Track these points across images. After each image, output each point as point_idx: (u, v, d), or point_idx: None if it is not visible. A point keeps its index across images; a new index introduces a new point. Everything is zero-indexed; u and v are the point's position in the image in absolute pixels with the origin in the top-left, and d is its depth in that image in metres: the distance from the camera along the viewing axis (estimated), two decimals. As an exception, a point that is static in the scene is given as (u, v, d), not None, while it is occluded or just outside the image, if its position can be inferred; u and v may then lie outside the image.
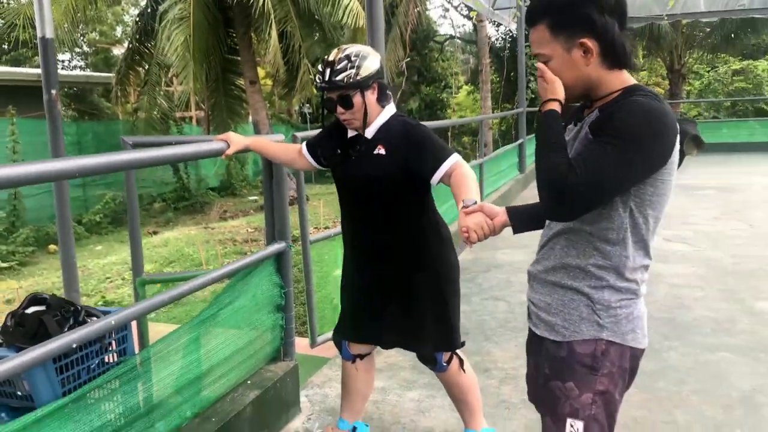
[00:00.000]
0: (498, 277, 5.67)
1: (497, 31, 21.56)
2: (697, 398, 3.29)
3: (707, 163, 12.53)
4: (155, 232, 12.77)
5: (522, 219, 1.85)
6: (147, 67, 14.43)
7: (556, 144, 1.53)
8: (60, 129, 5.33)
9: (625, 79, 1.61)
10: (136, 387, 2.40)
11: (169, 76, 15.20)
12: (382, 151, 2.40)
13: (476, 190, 2.13)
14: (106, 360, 2.35)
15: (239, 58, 14.03)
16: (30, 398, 2.16)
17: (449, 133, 16.77)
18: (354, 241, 2.64)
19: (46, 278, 9.52)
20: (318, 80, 2.38)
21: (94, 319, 2.31)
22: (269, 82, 20.08)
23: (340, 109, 2.39)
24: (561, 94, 1.60)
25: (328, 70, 2.33)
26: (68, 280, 5.86)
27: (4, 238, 11.75)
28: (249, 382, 2.98)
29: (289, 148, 2.78)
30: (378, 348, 2.82)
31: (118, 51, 27.63)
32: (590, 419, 1.62)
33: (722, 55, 21.93)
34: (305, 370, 3.51)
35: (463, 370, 2.66)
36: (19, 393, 2.16)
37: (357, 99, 2.35)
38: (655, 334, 4.15)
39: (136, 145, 2.96)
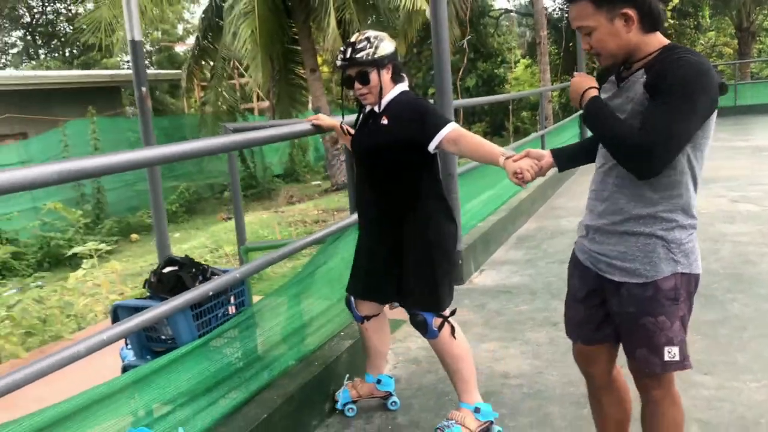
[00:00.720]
0: (562, 242, 5.90)
1: (554, 1, 21.32)
2: (756, 343, 3.49)
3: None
4: (230, 218, 13.43)
5: (565, 158, 2.17)
6: (213, 62, 15.06)
7: (615, 119, 1.79)
8: (150, 122, 5.88)
9: (661, 39, 1.84)
10: (253, 333, 2.83)
11: (241, 68, 15.77)
12: (386, 122, 2.65)
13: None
14: (229, 311, 2.78)
15: (299, 48, 14.47)
16: (170, 341, 2.61)
17: (510, 108, 16.76)
18: (362, 204, 2.90)
19: (134, 263, 10.24)
20: (339, 59, 2.66)
21: (216, 276, 2.73)
22: (326, 69, 20.54)
23: (357, 85, 2.66)
24: (592, 81, 1.87)
25: (349, 50, 2.62)
26: (162, 258, 6.43)
27: (90, 229, 12.62)
28: (342, 333, 3.36)
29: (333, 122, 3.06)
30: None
31: (180, 48, 28.72)
32: (682, 343, 1.90)
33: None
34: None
35: (455, 338, 2.73)
36: (162, 336, 2.60)
37: (373, 76, 2.63)
38: (719, 287, 4.34)
39: (236, 130, 3.36)
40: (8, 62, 34.34)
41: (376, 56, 2.60)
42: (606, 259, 1.96)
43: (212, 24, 14.58)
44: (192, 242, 10.91)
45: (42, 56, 33.18)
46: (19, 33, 32.58)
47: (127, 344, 2.73)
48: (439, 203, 2.74)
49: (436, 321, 2.68)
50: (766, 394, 2.92)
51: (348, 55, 2.62)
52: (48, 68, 27.06)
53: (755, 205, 6.70)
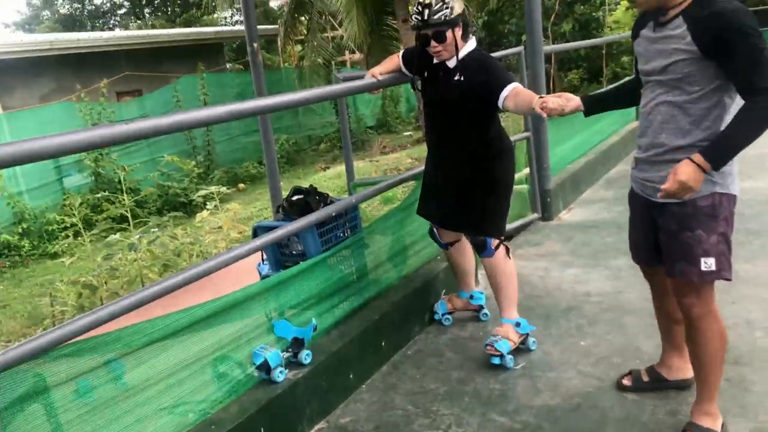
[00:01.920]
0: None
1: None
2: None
3: None
4: (327, 168, 14.13)
5: (593, 102, 2.49)
6: (309, 16, 15.56)
7: (738, 128, 1.99)
8: (262, 75, 6.48)
9: None
10: (365, 252, 3.33)
11: (334, 22, 16.20)
12: (460, 77, 2.89)
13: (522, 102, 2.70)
14: (345, 234, 3.28)
15: (390, -1, 14.69)
16: (299, 256, 3.15)
17: (604, 53, 16.30)
18: (433, 142, 3.19)
19: (245, 209, 11.11)
20: (415, 20, 2.86)
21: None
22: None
23: (433, 43, 2.86)
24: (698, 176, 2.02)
25: (426, 11, 2.81)
26: (275, 201, 7.14)
27: (202, 179, 13.65)
28: (439, 257, 3.82)
29: (395, 60, 3.23)
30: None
31: (274, 3, 29.48)
32: (719, 254, 2.16)
33: None
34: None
35: (509, 258, 3.13)
36: (294, 252, 3.15)
37: (449, 34, 2.84)
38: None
39: (346, 79, 3.82)
40: (117, 23, 36.45)
41: (451, 16, 2.82)
42: (651, 185, 2.24)
43: (308, -21, 15.02)
44: (295, 189, 11.66)
45: (147, 16, 35.00)
46: (126, -6, 34.37)
47: (263, 260, 3.31)
48: (502, 145, 3.06)
49: (494, 242, 3.06)
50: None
51: (426, 17, 2.82)
52: (153, 27, 28.62)
53: None
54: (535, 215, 5.18)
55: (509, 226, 4.98)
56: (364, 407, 2.81)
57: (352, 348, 2.91)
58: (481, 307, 3.51)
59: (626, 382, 2.68)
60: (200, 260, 6.18)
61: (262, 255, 3.30)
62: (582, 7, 17.74)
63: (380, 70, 3.16)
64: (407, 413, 2.73)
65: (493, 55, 3.36)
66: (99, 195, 9.94)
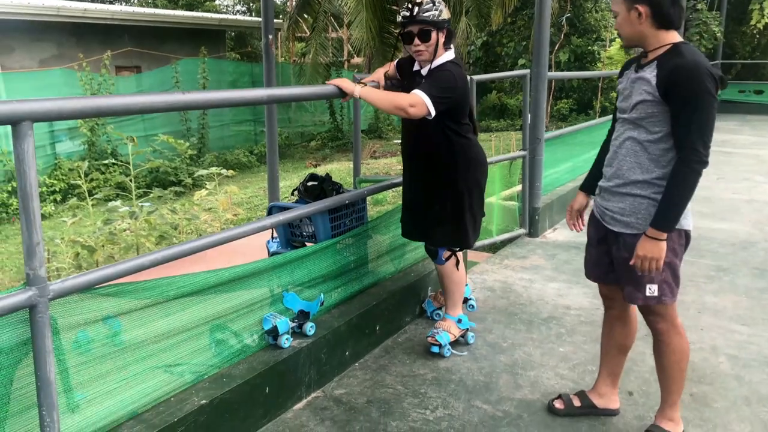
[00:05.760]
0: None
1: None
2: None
3: None
4: (317, 165, 14.30)
5: (591, 186, 2.69)
6: (315, 14, 15.76)
7: (674, 195, 2.21)
8: (273, 66, 6.69)
9: (673, 37, 2.25)
10: (366, 243, 3.54)
11: (335, 23, 16.40)
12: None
13: (386, 100, 2.81)
14: (350, 223, 3.49)
15: (396, 7, 14.97)
16: (308, 238, 3.35)
17: (600, 87, 16.76)
18: (404, 152, 3.24)
19: (230, 195, 11.21)
20: (402, 15, 2.90)
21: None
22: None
23: (416, 41, 2.91)
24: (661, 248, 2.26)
25: (416, 8, 2.88)
26: (272, 188, 7.32)
27: (193, 161, 13.73)
28: (434, 257, 4.04)
29: (392, 65, 3.29)
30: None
31: (279, -4, 29.60)
32: (662, 282, 2.39)
33: None
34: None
35: (457, 269, 3.27)
36: (304, 233, 3.35)
37: (433, 35, 2.90)
38: (773, 264, 4.76)
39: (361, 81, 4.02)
40: (118, -2, 36.19)
41: (439, 18, 2.91)
42: (610, 214, 2.44)
43: (317, -22, 15.24)
44: (285, 182, 11.82)
45: (149, -5, 34.81)
46: (130, -30, 34.11)
47: (273, 238, 3.50)
48: (468, 156, 3.08)
49: (445, 253, 3.23)
50: (792, 346, 3.43)
51: (415, 13, 2.88)
52: (156, 6, 28.55)
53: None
54: (522, 231, 5.44)
55: (496, 238, 5.25)
56: (357, 383, 3.01)
57: (350, 328, 3.12)
58: (467, 299, 3.72)
59: (558, 405, 2.77)
60: (194, 236, 6.33)
61: (272, 233, 3.49)
62: (579, 39, 18.22)
63: (378, 77, 3.16)
64: (397, 392, 2.93)
65: (501, 75, 3.56)
66: (101, 162, 9.98)
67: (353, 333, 3.14)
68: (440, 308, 3.72)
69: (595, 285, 2.75)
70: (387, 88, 3.18)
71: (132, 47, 15.23)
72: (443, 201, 3.11)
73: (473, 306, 3.77)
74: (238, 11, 32.16)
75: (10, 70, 12.56)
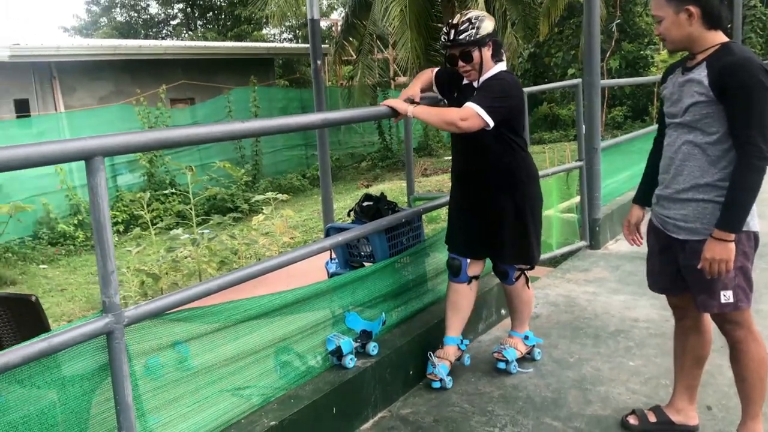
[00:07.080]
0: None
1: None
2: None
3: None
4: (369, 185, 14.40)
5: (644, 197, 2.63)
6: (361, 37, 15.98)
7: (739, 193, 2.16)
8: (323, 91, 6.80)
9: (721, 37, 2.23)
10: (425, 261, 3.53)
11: (380, 44, 16.58)
12: None
13: (437, 116, 2.83)
14: (407, 241, 3.48)
15: (441, 25, 15.04)
16: (366, 257, 3.36)
17: (655, 92, 16.37)
18: (458, 170, 3.11)
19: (291, 217, 11.38)
20: (443, 39, 2.89)
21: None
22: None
23: (460, 63, 2.89)
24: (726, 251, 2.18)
25: (452, 31, 2.85)
26: (326, 210, 7.40)
27: (249, 187, 14.04)
28: (491, 273, 3.98)
29: (428, 75, 3.18)
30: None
31: (324, 23, 30.17)
32: (736, 288, 2.30)
33: None
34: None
35: (528, 287, 3.22)
36: (362, 253, 3.36)
37: (475, 54, 2.86)
38: None
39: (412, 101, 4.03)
40: (169, 33, 37.55)
41: (477, 36, 2.84)
42: (672, 221, 2.38)
43: (360, 1, 15.46)
44: (339, 204, 11.94)
45: (199, 27, 36.03)
46: (180, 5, 35.40)
47: (332, 258, 3.53)
48: (527, 169, 3.02)
49: (516, 273, 3.15)
50: None
51: (451, 37, 2.86)
52: (206, 39, 29.50)
53: None
54: (583, 243, 5.32)
55: (557, 252, 5.15)
56: (423, 402, 2.98)
57: (412, 347, 3.10)
58: (533, 348, 3.39)
59: (632, 421, 2.67)
60: (253, 260, 6.44)
61: (331, 254, 3.52)
62: (630, 45, 17.88)
63: (414, 92, 3.03)
64: (464, 410, 2.89)
65: (552, 85, 3.52)
66: (161, 192, 10.31)
67: (416, 352, 3.12)
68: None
69: (663, 296, 2.66)
70: (448, 103, 3.12)
71: (185, 80, 15.75)
72: (507, 220, 3.02)
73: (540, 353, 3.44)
74: (285, 39, 32.92)
75: (71, 108, 13.16)
